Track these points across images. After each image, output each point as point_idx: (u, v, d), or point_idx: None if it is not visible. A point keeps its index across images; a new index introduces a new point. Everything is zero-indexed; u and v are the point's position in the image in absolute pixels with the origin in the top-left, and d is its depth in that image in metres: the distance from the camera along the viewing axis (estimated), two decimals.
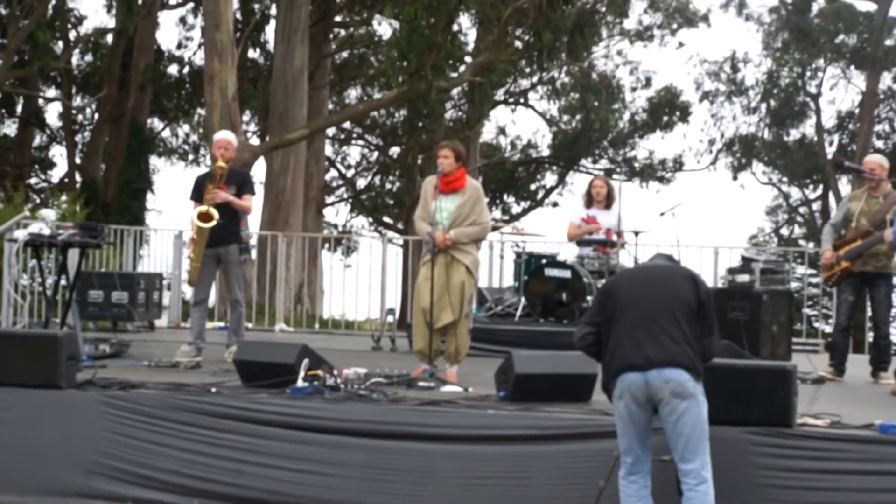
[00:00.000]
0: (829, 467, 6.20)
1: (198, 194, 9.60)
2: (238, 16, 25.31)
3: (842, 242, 9.63)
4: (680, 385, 5.52)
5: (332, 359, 8.05)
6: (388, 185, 33.81)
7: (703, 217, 49.89)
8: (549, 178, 35.67)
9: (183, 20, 31.61)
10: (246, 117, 29.64)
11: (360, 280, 14.82)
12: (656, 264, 6.03)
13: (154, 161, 31.02)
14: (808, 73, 34.70)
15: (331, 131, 30.83)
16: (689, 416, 5.53)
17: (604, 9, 26.14)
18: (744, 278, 10.31)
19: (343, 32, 31.09)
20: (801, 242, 35.24)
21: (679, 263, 6.15)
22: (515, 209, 35.37)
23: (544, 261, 11.49)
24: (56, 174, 34.64)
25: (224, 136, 9.85)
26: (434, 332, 8.49)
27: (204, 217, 9.34)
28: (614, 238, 11.50)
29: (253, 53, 30.04)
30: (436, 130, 27.81)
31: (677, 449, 5.59)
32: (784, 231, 37.73)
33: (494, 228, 13.01)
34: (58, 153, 34.79)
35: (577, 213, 11.79)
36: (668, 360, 5.52)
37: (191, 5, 31.00)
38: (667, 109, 33.34)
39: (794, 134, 35.93)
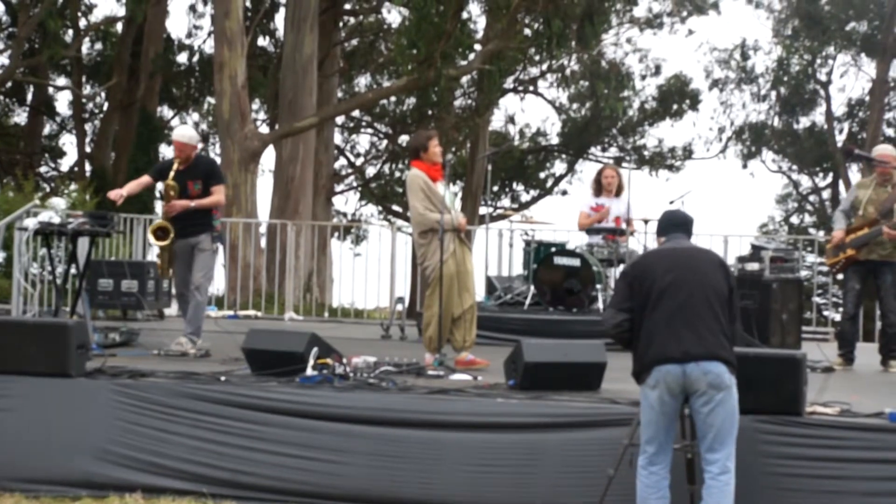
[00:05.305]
0: (838, 455, 6.22)
1: (158, 174, 9.44)
2: (248, 3, 25.26)
3: (849, 230, 9.60)
4: (718, 377, 5.52)
5: (342, 347, 8.06)
6: (398, 174, 33.75)
7: (712, 205, 49.89)
8: (559, 167, 35.62)
9: (192, 8, 31.63)
10: (255, 105, 29.63)
11: (370, 268, 14.88)
12: (684, 247, 5.89)
13: (164, 149, 31.01)
14: (819, 61, 34.51)
15: (340, 119, 30.81)
16: (722, 407, 5.54)
17: None
18: (753, 266, 10.29)
19: (352, 20, 31.04)
20: (811, 231, 35.13)
21: (693, 239, 6.06)
22: (524, 197, 35.33)
23: (553, 249, 11.48)
24: (66, 163, 34.78)
25: (177, 136, 9.43)
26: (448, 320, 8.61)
27: (160, 233, 9.22)
28: (623, 226, 11.50)
29: (263, 41, 30.03)
30: (445, 118, 27.78)
31: (706, 439, 5.58)
32: (794, 219, 37.60)
33: (503, 216, 12.99)
34: (68, 142, 34.92)
35: (586, 202, 11.81)
36: (707, 354, 5.51)
37: None
38: (676, 97, 33.21)
39: (804, 122, 35.78)
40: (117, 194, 9.14)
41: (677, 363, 5.51)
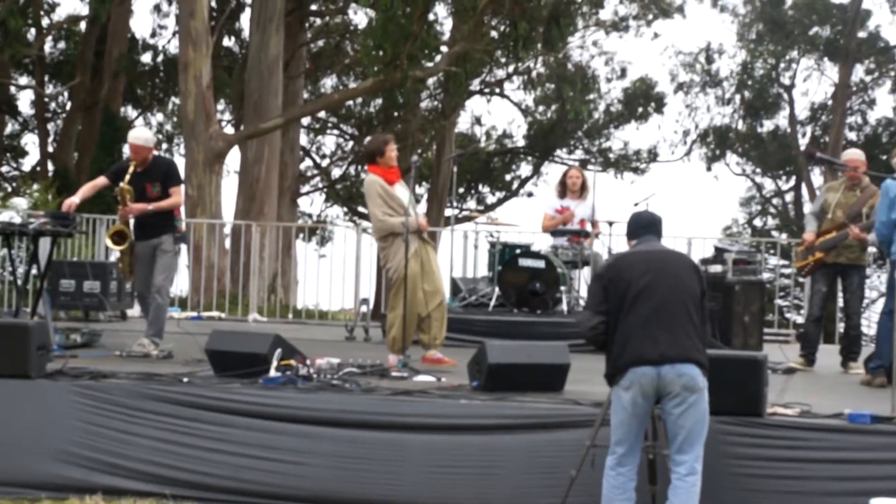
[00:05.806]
0: (798, 456, 6.28)
1: (115, 176, 9.29)
2: (213, 3, 25.13)
3: (817, 233, 9.67)
4: (692, 379, 5.54)
5: (306, 349, 8.05)
6: (363, 175, 33.66)
7: (676, 207, 50.00)
8: (525, 169, 35.64)
9: (157, 8, 31.38)
10: (220, 106, 29.46)
11: (335, 270, 14.84)
12: (658, 249, 5.92)
13: (127, 150, 30.78)
14: (782, 65, 34.81)
15: (306, 121, 30.68)
16: (694, 409, 5.57)
17: None
18: (716, 269, 10.35)
19: (318, 21, 30.94)
20: (774, 233, 35.40)
21: (663, 240, 6.10)
22: (490, 199, 35.33)
23: (518, 251, 11.51)
24: (28, 162, 34.38)
25: (133, 139, 9.32)
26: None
27: (117, 237, 9.13)
28: (588, 228, 11.54)
29: (228, 42, 29.87)
30: (411, 120, 27.76)
31: (676, 440, 5.61)
32: (757, 222, 37.86)
33: (469, 218, 13.02)
34: (30, 141, 34.51)
35: (551, 204, 11.84)
36: (683, 356, 5.53)
37: None
38: (641, 100, 33.34)
39: (767, 125, 36.03)
40: (69, 204, 9.09)
41: (653, 365, 5.52)
